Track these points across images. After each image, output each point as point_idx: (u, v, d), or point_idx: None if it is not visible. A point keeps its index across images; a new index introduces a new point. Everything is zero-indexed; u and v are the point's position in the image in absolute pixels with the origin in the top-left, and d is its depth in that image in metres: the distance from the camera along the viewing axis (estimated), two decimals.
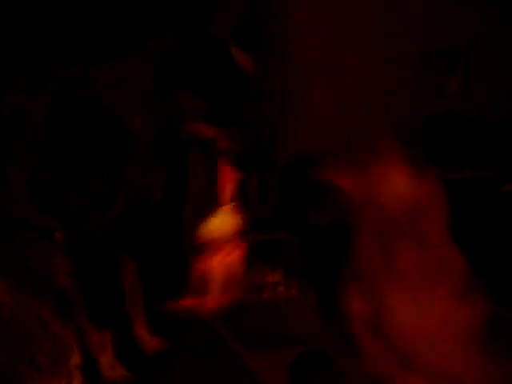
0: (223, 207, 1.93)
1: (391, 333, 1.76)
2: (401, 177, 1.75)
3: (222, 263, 2.03)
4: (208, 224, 1.97)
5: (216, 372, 1.99)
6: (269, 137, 3.33)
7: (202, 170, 1.96)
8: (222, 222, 1.96)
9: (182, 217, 2.22)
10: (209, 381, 1.96)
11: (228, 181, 1.86)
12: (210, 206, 1.97)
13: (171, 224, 2.25)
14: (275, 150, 3.39)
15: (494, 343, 1.78)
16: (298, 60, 3.74)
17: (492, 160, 3.69)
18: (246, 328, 2.32)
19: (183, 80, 1.78)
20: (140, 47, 1.87)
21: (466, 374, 1.76)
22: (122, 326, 1.94)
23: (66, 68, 1.89)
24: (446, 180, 3.54)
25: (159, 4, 2.69)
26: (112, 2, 2.60)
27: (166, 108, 1.79)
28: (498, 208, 3.44)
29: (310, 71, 3.81)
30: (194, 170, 1.95)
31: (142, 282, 2.04)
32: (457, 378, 1.76)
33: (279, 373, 2.07)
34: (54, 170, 1.80)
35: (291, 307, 2.32)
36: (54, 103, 1.83)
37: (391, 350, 1.75)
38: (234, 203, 1.93)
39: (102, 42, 2.44)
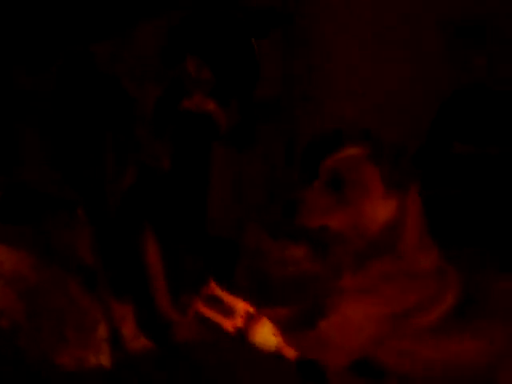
0: None
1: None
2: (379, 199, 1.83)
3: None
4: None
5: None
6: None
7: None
8: None
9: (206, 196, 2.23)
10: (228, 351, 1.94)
11: None
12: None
13: (195, 202, 2.26)
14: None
15: (462, 324, 1.87)
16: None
17: None
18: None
19: (193, 46, 1.77)
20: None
21: (436, 358, 1.85)
22: (144, 297, 1.95)
23: (69, 47, 1.91)
24: (471, 156, 3.55)
25: None
26: None
27: (172, 74, 1.78)
28: None
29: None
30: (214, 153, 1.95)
31: (167, 259, 2.06)
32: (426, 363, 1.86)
33: None
34: (66, 145, 1.81)
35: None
36: (60, 80, 1.85)
37: None
38: None
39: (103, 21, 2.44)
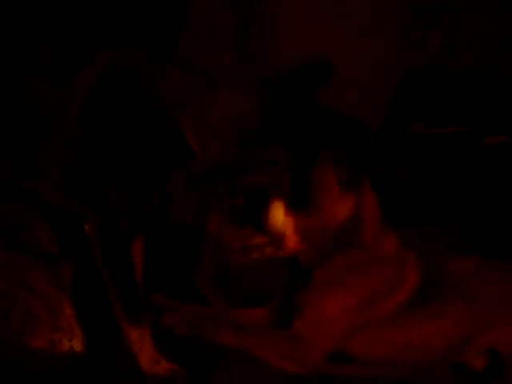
0: None
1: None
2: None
3: None
4: None
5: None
6: None
7: None
8: None
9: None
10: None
11: None
12: None
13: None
14: None
15: (425, 307, 1.92)
16: None
17: (474, 114, 3.70)
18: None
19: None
20: None
21: (401, 342, 1.90)
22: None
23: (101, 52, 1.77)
24: (431, 136, 3.59)
25: None
26: None
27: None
28: (481, 161, 3.46)
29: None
30: None
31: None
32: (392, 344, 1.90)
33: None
34: (89, 160, 1.72)
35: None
36: (98, 90, 1.72)
37: None
38: None
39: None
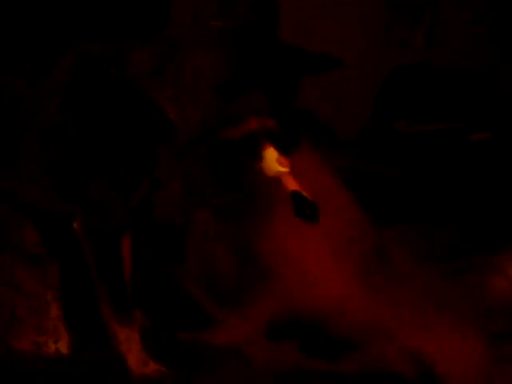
0: None
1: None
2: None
3: None
4: None
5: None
6: None
7: None
8: None
9: None
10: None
11: None
12: None
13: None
14: None
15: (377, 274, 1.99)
16: None
17: (459, 111, 3.71)
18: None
19: (255, 80, 1.73)
20: None
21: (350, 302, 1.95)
22: None
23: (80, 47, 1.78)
24: (416, 133, 3.60)
25: None
26: None
27: (231, 107, 1.73)
28: (468, 158, 3.47)
29: None
30: None
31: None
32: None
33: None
34: (71, 156, 1.71)
35: None
36: (70, 86, 1.73)
37: None
38: None
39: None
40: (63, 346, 1.85)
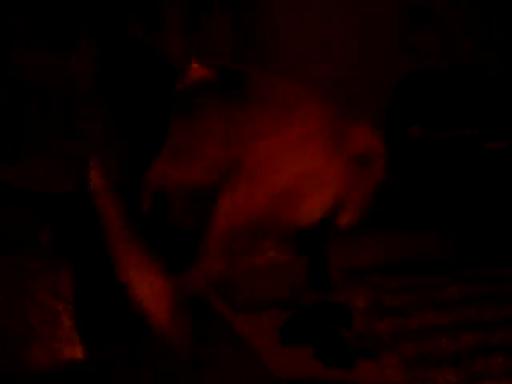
0: None
1: None
2: None
3: None
4: None
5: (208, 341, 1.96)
6: None
7: None
8: None
9: None
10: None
11: None
12: None
13: None
14: None
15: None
16: None
17: (474, 118, 3.69)
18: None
19: None
20: None
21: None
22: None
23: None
24: (430, 140, 3.58)
25: None
26: None
27: None
28: (483, 166, 3.45)
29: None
30: None
31: None
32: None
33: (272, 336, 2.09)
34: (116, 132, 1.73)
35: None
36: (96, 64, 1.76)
37: None
38: None
39: None
40: (78, 351, 1.84)
